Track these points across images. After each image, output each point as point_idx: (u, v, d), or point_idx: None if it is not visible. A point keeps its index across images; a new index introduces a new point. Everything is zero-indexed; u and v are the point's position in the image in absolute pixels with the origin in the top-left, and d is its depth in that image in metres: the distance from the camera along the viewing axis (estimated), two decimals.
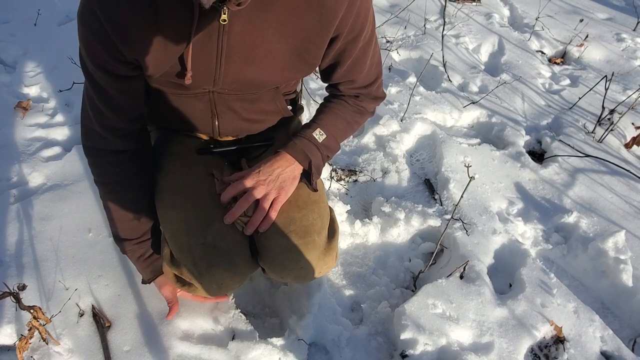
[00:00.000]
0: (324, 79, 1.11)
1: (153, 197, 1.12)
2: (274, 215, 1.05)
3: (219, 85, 0.95)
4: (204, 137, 1.20)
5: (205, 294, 1.12)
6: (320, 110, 1.14)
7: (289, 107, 1.20)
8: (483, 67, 2.54)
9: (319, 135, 1.09)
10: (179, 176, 1.11)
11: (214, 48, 0.86)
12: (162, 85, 1.00)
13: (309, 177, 1.10)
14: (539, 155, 2.04)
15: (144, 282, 1.20)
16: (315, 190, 1.13)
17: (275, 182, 1.04)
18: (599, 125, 2.12)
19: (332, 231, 1.16)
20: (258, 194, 1.03)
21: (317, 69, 1.08)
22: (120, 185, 1.07)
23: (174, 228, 1.07)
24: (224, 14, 0.80)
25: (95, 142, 1.03)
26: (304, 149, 1.07)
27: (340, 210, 1.59)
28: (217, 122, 1.08)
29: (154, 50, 0.85)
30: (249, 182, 1.04)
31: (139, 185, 1.09)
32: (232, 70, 0.91)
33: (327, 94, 1.17)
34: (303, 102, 2.07)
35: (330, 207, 1.22)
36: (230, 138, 1.21)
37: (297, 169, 1.08)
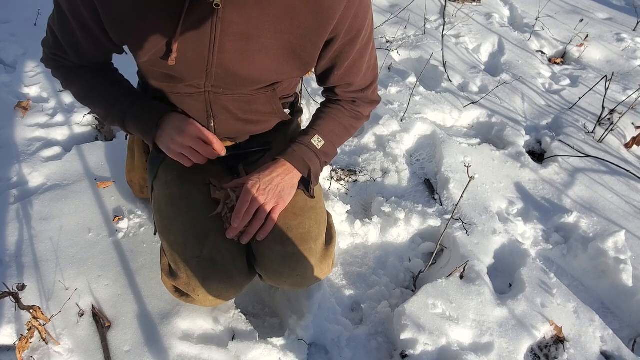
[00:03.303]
0: (320, 83, 1.10)
1: (123, 81, 1.08)
2: (272, 224, 1.04)
3: (212, 79, 0.95)
4: None
5: (202, 305, 1.12)
6: (317, 116, 1.13)
7: (287, 111, 1.19)
8: (483, 67, 2.54)
9: (317, 141, 1.08)
10: (176, 186, 1.11)
11: (207, 34, 0.86)
12: (157, 80, 1.00)
13: (306, 184, 1.10)
14: (539, 155, 2.04)
15: (154, 136, 0.99)
16: (312, 197, 1.12)
17: (274, 191, 1.03)
18: (599, 125, 2.12)
19: (330, 238, 1.16)
20: (257, 204, 1.02)
21: (314, 72, 1.08)
22: (87, 83, 1.04)
23: (171, 239, 1.07)
24: None
25: (48, 62, 1.04)
26: (303, 156, 1.06)
27: (340, 210, 1.59)
28: (213, 123, 1.08)
29: (139, 30, 0.85)
30: (249, 193, 1.02)
31: (106, 74, 1.06)
32: (225, 61, 0.91)
33: (319, 85, 1.16)
34: (303, 102, 2.07)
35: (328, 213, 1.21)
36: (228, 143, 1.21)
37: (296, 177, 1.07)
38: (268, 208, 1.03)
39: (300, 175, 1.08)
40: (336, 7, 0.87)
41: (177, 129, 0.98)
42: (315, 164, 1.08)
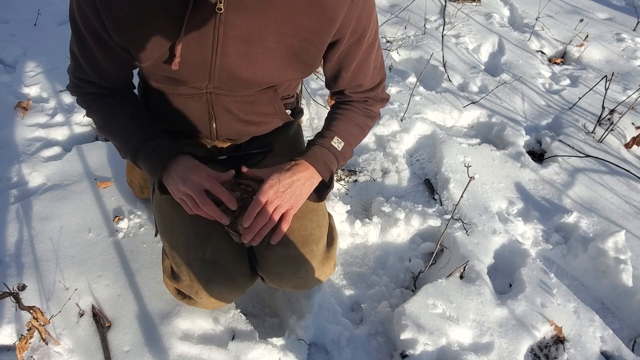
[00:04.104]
0: (330, 87, 1.09)
1: (146, 112, 1.07)
2: (285, 227, 1.00)
3: (215, 81, 0.95)
4: (203, 142, 1.19)
5: (205, 308, 1.12)
6: (332, 117, 1.10)
7: (288, 111, 1.18)
8: (483, 67, 2.54)
9: (337, 143, 1.05)
10: None
11: (209, 38, 0.86)
12: (159, 82, 1.00)
13: (321, 187, 1.06)
14: (539, 155, 2.04)
15: (160, 183, 1.00)
16: (322, 200, 1.10)
17: (292, 194, 0.98)
18: (599, 125, 2.12)
19: (331, 239, 1.16)
20: (273, 206, 0.98)
21: (324, 77, 1.07)
22: (108, 112, 1.04)
23: (173, 241, 1.07)
24: (220, 2, 0.79)
25: (73, 88, 1.04)
26: (325, 160, 1.02)
27: (340, 210, 1.59)
28: (214, 124, 1.07)
29: (141, 34, 0.85)
30: (268, 194, 0.97)
31: (127, 107, 1.05)
32: (228, 64, 0.90)
33: (327, 93, 1.15)
34: (303, 102, 2.07)
35: (329, 214, 1.20)
36: (229, 143, 1.20)
37: (317, 181, 1.03)
38: (281, 211, 0.99)
39: (320, 180, 1.04)
40: (339, 9, 0.87)
41: (182, 177, 0.95)
42: (335, 168, 1.05)
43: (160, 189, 1.01)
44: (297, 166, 1.00)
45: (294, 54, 0.92)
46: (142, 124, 1.03)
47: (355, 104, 1.10)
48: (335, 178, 1.77)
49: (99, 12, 0.83)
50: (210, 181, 0.96)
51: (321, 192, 1.07)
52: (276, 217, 0.98)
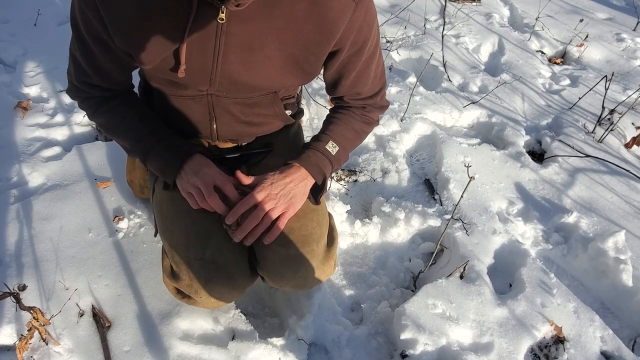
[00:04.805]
0: (330, 92, 1.11)
1: (152, 112, 1.08)
2: (279, 229, 1.02)
3: (215, 86, 0.95)
4: (203, 142, 1.19)
5: (204, 307, 1.12)
6: (328, 121, 1.13)
7: (289, 112, 1.19)
8: (483, 67, 2.54)
9: (332, 147, 1.07)
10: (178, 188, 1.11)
11: (211, 46, 0.86)
12: (160, 84, 1.00)
13: (315, 190, 1.08)
14: (539, 155, 2.04)
15: (171, 179, 1.02)
16: (318, 203, 1.11)
17: (286, 197, 1.01)
18: (599, 125, 2.12)
19: (331, 239, 1.16)
20: (266, 207, 1.00)
21: (323, 82, 1.08)
22: (115, 115, 1.05)
23: (173, 241, 1.07)
24: (222, 12, 0.80)
25: (76, 93, 1.04)
26: (318, 163, 1.05)
27: (340, 210, 1.59)
28: (215, 125, 1.08)
29: (144, 40, 0.85)
30: (259, 196, 0.99)
31: (134, 109, 1.06)
32: (229, 71, 0.91)
33: (328, 94, 1.16)
34: (303, 102, 2.07)
35: (329, 214, 1.21)
36: (229, 144, 1.21)
37: (310, 184, 1.05)
38: (276, 213, 1.00)
39: (314, 182, 1.06)
40: (340, 21, 0.87)
41: (195, 169, 1.00)
42: (328, 171, 1.07)
43: (164, 184, 1.03)
44: (290, 168, 1.03)
45: (294, 61, 0.93)
46: (151, 125, 1.05)
47: (353, 109, 1.12)
48: (334, 179, 1.78)
49: (101, 16, 0.83)
50: (222, 178, 0.99)
51: (315, 195, 1.09)
52: (270, 218, 1.00)
